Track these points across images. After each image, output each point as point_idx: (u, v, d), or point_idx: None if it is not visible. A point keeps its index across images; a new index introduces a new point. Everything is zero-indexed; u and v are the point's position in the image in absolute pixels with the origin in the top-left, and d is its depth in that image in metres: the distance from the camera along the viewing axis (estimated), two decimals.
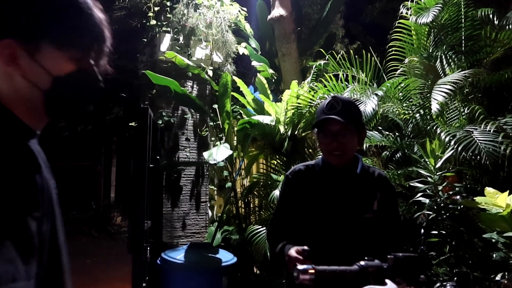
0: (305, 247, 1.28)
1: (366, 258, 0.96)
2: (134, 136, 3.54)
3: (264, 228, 3.65)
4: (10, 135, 0.69)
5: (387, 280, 0.92)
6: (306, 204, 1.74)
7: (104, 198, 11.07)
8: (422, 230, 2.57)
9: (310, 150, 4.95)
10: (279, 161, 4.45)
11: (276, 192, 3.60)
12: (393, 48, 3.86)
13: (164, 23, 4.58)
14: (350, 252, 1.55)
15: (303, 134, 4.51)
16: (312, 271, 0.88)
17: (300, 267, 0.89)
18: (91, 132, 10.73)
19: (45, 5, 0.72)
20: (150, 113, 3.50)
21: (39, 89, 0.75)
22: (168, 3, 4.57)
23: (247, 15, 4.87)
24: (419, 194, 2.73)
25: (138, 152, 3.28)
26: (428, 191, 2.68)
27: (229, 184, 4.65)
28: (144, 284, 3.23)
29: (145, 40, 4.69)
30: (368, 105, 3.18)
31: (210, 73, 4.65)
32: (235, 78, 4.29)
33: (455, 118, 3.33)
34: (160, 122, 4.43)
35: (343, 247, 1.65)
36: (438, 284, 1.94)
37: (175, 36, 4.58)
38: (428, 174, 2.68)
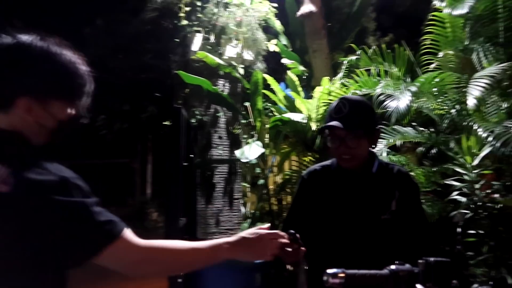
0: (291, 231, 1.19)
1: (396, 262, 0.97)
2: (168, 135, 3.64)
3: None
4: (26, 154, 1.01)
5: (418, 285, 0.92)
6: (320, 205, 1.70)
7: (141, 195, 11.41)
8: (459, 230, 2.51)
9: None
10: (311, 158, 4.45)
11: None
12: (427, 42, 3.75)
13: (195, 23, 4.65)
14: (368, 255, 1.54)
15: None
16: (342, 274, 0.89)
17: (330, 270, 0.90)
18: (127, 130, 11.07)
19: (49, 74, 1.03)
20: (183, 113, 3.59)
21: (47, 127, 1.05)
22: (199, 3, 4.64)
23: (277, 12, 4.87)
24: (455, 193, 2.66)
25: (172, 150, 3.37)
26: (464, 190, 2.61)
27: (261, 181, 4.70)
28: (179, 280, 3.33)
29: (177, 40, 4.79)
30: (402, 101, 3.12)
31: (241, 71, 4.69)
32: (266, 76, 4.32)
33: (493, 113, 3.21)
34: (193, 121, 4.52)
35: (360, 250, 1.60)
36: (475, 285, 1.90)
37: (206, 35, 4.65)
38: (465, 172, 2.61)
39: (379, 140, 3.32)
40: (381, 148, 3.21)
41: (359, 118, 1.59)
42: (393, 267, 0.94)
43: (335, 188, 1.70)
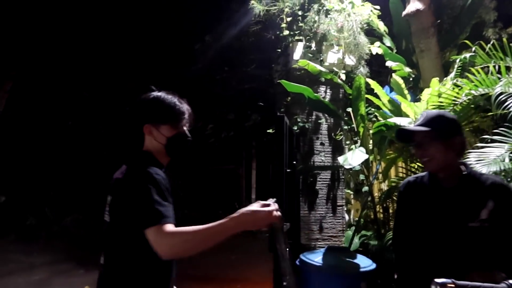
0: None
1: None
2: (271, 143, 3.76)
3: None
4: (155, 166, 1.56)
5: None
6: (416, 216, 1.83)
7: (246, 199, 11.89)
8: None
9: None
10: (419, 164, 4.19)
11: None
12: None
13: (297, 32, 4.75)
14: (457, 262, 1.65)
15: None
16: (452, 285, 0.85)
17: (439, 280, 0.87)
18: (233, 138, 11.67)
19: (160, 110, 1.67)
20: (286, 121, 3.68)
21: (162, 144, 1.65)
22: (300, 12, 4.73)
23: (380, 13, 4.71)
24: None
25: (276, 157, 3.48)
26: None
27: (365, 188, 4.56)
28: (284, 283, 3.40)
29: (279, 50, 4.93)
30: None
31: (343, 76, 4.65)
32: (368, 80, 4.20)
33: None
34: (296, 128, 4.60)
35: (450, 257, 1.69)
36: None
37: (307, 43, 4.71)
38: None
39: (501, 144, 3.03)
40: (502, 154, 2.90)
41: (427, 121, 1.77)
42: (511, 281, 0.87)
43: (427, 199, 1.82)
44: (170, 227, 1.41)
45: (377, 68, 5.74)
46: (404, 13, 4.44)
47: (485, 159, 3.02)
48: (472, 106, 3.90)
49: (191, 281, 6.13)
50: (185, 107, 1.69)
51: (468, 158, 3.21)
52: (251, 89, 10.06)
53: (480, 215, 1.68)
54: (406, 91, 4.08)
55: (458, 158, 1.80)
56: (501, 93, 3.07)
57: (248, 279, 6.55)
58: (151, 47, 9.77)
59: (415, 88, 5.01)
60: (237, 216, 1.42)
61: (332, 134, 4.77)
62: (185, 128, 1.68)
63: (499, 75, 3.37)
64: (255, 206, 1.46)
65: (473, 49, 3.85)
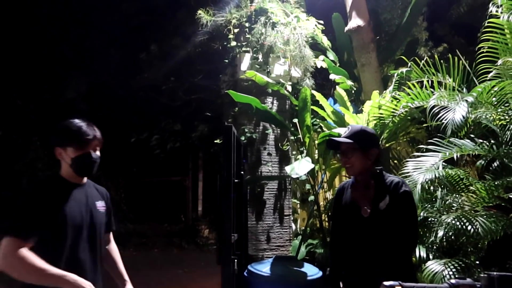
0: None
1: (456, 276, 0.93)
2: (219, 153, 3.73)
3: None
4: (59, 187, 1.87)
5: None
6: (341, 212, 2.31)
7: (193, 211, 11.67)
8: None
9: (396, 161, 4.77)
10: None
11: None
12: (484, 50, 3.58)
13: (244, 43, 4.79)
14: (365, 248, 2.10)
15: (387, 145, 4.38)
16: (399, 287, 0.87)
17: (386, 283, 0.89)
18: (179, 149, 11.46)
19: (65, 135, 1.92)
20: (234, 131, 3.67)
21: (68, 164, 1.89)
22: (247, 24, 4.78)
23: (323, 28, 4.89)
24: None
25: (223, 168, 3.45)
26: None
27: (311, 197, 4.66)
28: None
29: (227, 60, 4.94)
30: (458, 113, 3.00)
31: (289, 88, 4.74)
32: (313, 92, 4.32)
33: None
34: (243, 139, 4.61)
35: (359, 242, 2.13)
36: None
37: (254, 55, 4.76)
38: None
39: (435, 153, 3.23)
40: (436, 162, 3.09)
41: (352, 134, 2.16)
42: (453, 281, 0.91)
43: (348, 197, 2.25)
44: (14, 243, 1.64)
45: (321, 81, 5.93)
46: (346, 28, 4.64)
47: (421, 167, 3.20)
48: (409, 118, 4.14)
49: None
50: (91, 131, 1.89)
51: (406, 166, 3.39)
52: (198, 100, 9.96)
53: (379, 206, 2.11)
54: (348, 103, 4.25)
55: (374, 165, 2.18)
56: (434, 106, 3.27)
57: None
58: (94, 56, 9.40)
59: (357, 100, 5.23)
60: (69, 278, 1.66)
61: (279, 144, 4.84)
62: (91, 150, 1.88)
63: (432, 89, 3.61)
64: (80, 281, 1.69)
65: (409, 64, 4.10)
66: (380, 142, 4.24)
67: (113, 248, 2.22)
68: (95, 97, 10.49)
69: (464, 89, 3.70)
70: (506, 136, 3.37)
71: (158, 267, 8.38)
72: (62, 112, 10.21)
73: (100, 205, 1.99)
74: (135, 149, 11.18)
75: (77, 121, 1.90)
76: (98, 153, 1.92)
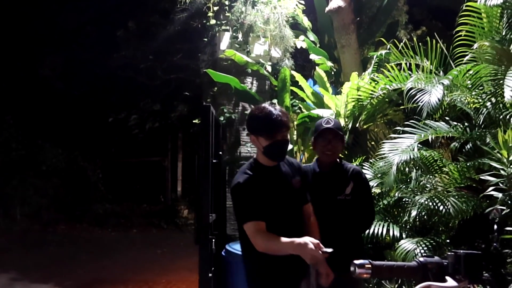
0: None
1: (424, 254, 0.95)
2: (198, 133, 3.70)
3: None
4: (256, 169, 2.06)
5: (447, 277, 0.90)
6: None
7: (172, 192, 11.64)
8: (495, 226, 2.42)
9: (373, 143, 4.83)
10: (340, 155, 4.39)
11: None
12: (461, 33, 3.62)
13: (223, 22, 4.70)
14: (331, 228, 2.25)
15: (365, 127, 4.42)
16: (369, 265, 0.89)
17: (356, 261, 0.90)
18: (158, 130, 11.32)
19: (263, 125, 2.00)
20: (212, 111, 3.63)
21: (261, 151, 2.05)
22: (227, 2, 4.69)
23: (304, 8, 4.84)
24: (491, 188, 2.57)
25: (202, 148, 3.42)
26: (501, 185, 2.51)
27: None
28: (210, 274, 3.38)
29: (206, 39, 4.85)
30: (433, 95, 3.04)
31: (269, 68, 4.70)
32: (293, 72, 4.30)
33: None
34: (222, 119, 4.57)
35: (325, 222, 2.25)
36: None
37: (234, 34, 4.69)
38: (501, 167, 2.52)
39: (410, 135, 3.27)
40: (412, 144, 3.14)
41: (338, 126, 2.44)
42: (421, 259, 0.93)
43: (313, 180, 2.42)
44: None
45: (301, 62, 5.89)
46: (327, 9, 4.61)
47: (397, 148, 3.24)
48: (387, 100, 4.17)
49: (114, 283, 5.87)
50: (279, 120, 1.97)
51: (382, 148, 3.44)
52: (178, 79, 9.81)
53: (345, 191, 2.35)
54: (328, 84, 4.26)
55: None
56: (411, 88, 3.30)
57: (176, 272, 6.43)
58: (69, 32, 9.09)
59: (336, 82, 5.23)
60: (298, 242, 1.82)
61: None
62: (280, 138, 1.99)
63: (410, 72, 3.64)
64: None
65: (388, 47, 4.11)
66: (358, 124, 4.29)
67: (313, 220, 2.24)
68: (71, 75, 10.20)
69: (441, 73, 3.75)
70: (479, 119, 3.45)
71: (137, 248, 8.37)
72: (37, 90, 9.90)
73: (295, 181, 2.13)
74: (113, 129, 10.99)
75: (267, 109, 1.99)
76: (287, 137, 2.06)
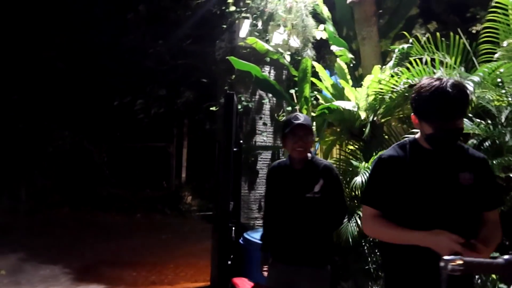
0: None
1: (510, 252, 0.96)
2: (221, 121, 3.68)
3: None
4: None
5: None
6: (277, 190, 2.50)
7: (176, 178, 11.65)
8: None
9: (387, 137, 4.83)
10: (355, 147, 4.40)
11: (358, 179, 3.59)
12: (485, 30, 3.59)
13: (243, 9, 4.65)
14: (299, 225, 2.32)
15: (382, 120, 4.41)
16: (461, 262, 0.90)
17: (447, 257, 0.91)
18: (164, 115, 11.27)
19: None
20: (235, 99, 3.62)
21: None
22: None
23: None
24: None
25: (224, 136, 3.41)
26: None
27: None
28: (229, 262, 3.40)
29: (224, 26, 4.80)
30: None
31: (288, 58, 4.67)
32: (314, 63, 4.27)
33: None
34: (239, 107, 4.55)
35: (294, 221, 2.33)
36: None
37: (254, 21, 4.64)
38: None
39: None
40: None
41: (309, 122, 2.40)
42: (506, 256, 0.93)
43: (284, 177, 2.45)
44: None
45: (318, 52, 5.84)
46: (349, 0, 4.56)
47: None
48: (407, 94, 4.16)
49: (123, 265, 5.91)
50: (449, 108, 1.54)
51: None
52: (186, 65, 9.73)
53: (314, 189, 2.32)
54: (348, 76, 4.23)
55: None
56: None
57: (182, 257, 6.48)
58: (77, 13, 8.97)
59: (351, 75, 5.20)
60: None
61: (275, 114, 4.81)
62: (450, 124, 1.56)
63: (433, 67, 3.61)
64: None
65: (410, 40, 4.07)
66: (376, 117, 4.29)
67: (490, 231, 1.88)
68: (76, 56, 10.09)
69: (462, 68, 3.73)
70: (502, 117, 3.44)
71: (142, 232, 8.42)
72: (43, 72, 9.81)
73: (464, 176, 1.66)
74: (118, 113, 10.93)
75: (446, 90, 1.54)
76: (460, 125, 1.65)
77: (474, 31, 5.50)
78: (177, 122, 11.57)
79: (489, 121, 3.42)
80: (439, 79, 1.56)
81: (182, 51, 9.18)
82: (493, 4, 3.45)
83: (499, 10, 3.48)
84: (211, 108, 4.91)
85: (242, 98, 4.64)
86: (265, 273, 2.55)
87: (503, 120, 3.44)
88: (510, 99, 3.29)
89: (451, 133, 1.55)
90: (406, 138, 1.82)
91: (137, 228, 8.87)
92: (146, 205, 10.33)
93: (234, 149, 3.67)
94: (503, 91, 3.14)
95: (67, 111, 9.85)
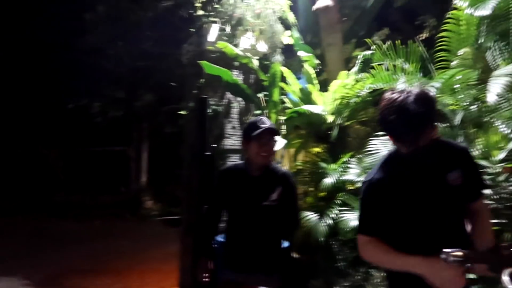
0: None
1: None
2: (190, 124, 3.69)
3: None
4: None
5: None
6: (230, 196, 2.39)
7: (134, 182, 11.38)
8: None
9: (351, 139, 5.03)
10: (321, 149, 4.56)
11: (327, 180, 3.74)
12: (440, 40, 3.86)
13: (212, 13, 4.67)
14: (253, 233, 2.28)
15: (347, 124, 4.60)
16: (460, 253, 0.99)
17: (447, 250, 1.00)
18: (122, 118, 10.99)
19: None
20: (208, 102, 3.64)
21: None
22: None
23: (292, 4, 4.92)
24: None
25: (198, 140, 3.43)
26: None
27: None
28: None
29: (193, 30, 4.79)
30: None
31: (256, 62, 4.74)
32: (283, 68, 4.38)
33: (507, 108, 3.36)
34: (209, 111, 4.56)
35: (250, 228, 2.29)
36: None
37: (222, 26, 4.67)
38: (489, 165, 2.76)
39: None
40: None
41: (275, 127, 2.36)
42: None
43: (239, 183, 2.34)
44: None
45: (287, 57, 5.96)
46: (314, 7, 4.72)
47: (386, 145, 3.43)
48: (370, 98, 4.38)
49: (85, 274, 5.71)
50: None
51: (370, 144, 3.63)
52: (145, 68, 9.56)
53: (271, 197, 2.27)
54: (316, 81, 4.38)
55: None
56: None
57: (146, 263, 6.36)
58: (32, 11, 8.57)
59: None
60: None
61: (244, 118, 4.86)
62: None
63: (394, 73, 3.83)
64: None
65: (371, 47, 4.28)
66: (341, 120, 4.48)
67: (484, 217, 1.85)
68: (28, 57, 9.64)
69: (420, 74, 3.99)
70: (455, 120, 3.72)
71: (102, 239, 8.15)
72: None
73: (453, 176, 1.61)
74: (74, 116, 10.53)
75: (408, 109, 1.49)
76: None
77: (423, 38, 5.86)
78: (136, 125, 11.32)
79: (443, 124, 3.69)
80: (401, 92, 1.51)
81: (143, 53, 9.02)
82: (448, 16, 3.72)
83: (452, 21, 3.77)
84: (179, 112, 4.87)
85: (212, 102, 4.65)
86: (205, 280, 2.44)
87: (456, 123, 3.72)
88: (464, 103, 3.57)
89: (426, 150, 1.51)
90: (388, 152, 1.79)
91: (97, 235, 8.57)
92: (105, 211, 10.01)
93: (208, 153, 3.70)
94: (460, 96, 3.38)
95: (20, 113, 9.37)
